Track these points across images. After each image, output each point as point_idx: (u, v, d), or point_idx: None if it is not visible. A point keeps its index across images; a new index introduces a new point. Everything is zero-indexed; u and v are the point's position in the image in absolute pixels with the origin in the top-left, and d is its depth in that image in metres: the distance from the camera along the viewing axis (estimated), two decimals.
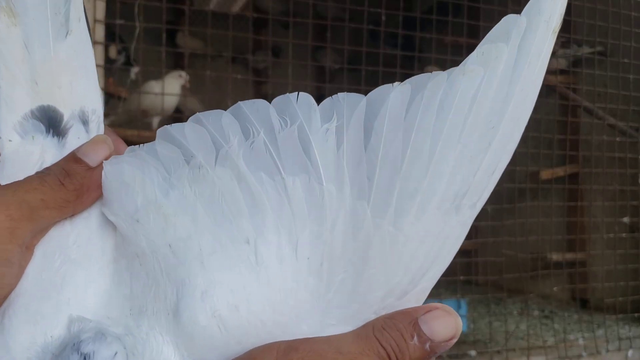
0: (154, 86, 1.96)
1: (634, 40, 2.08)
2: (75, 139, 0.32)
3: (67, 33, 0.32)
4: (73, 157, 0.31)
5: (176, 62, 2.62)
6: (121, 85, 2.01)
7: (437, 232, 0.29)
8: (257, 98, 0.32)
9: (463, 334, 1.91)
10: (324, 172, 0.29)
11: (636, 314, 2.11)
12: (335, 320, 0.28)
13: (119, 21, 1.63)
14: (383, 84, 0.31)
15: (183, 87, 2.09)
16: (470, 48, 0.31)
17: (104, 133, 0.34)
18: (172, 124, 0.31)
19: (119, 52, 2.22)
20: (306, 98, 0.30)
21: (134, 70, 1.99)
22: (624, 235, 2.19)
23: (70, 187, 0.30)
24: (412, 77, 0.30)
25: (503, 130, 0.29)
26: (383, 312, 0.29)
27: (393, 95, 0.30)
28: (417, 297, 0.29)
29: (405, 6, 2.34)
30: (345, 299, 0.28)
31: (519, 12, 0.29)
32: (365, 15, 1.88)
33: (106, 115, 1.74)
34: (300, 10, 2.30)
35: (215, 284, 0.28)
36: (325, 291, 0.28)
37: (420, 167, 0.28)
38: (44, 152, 0.32)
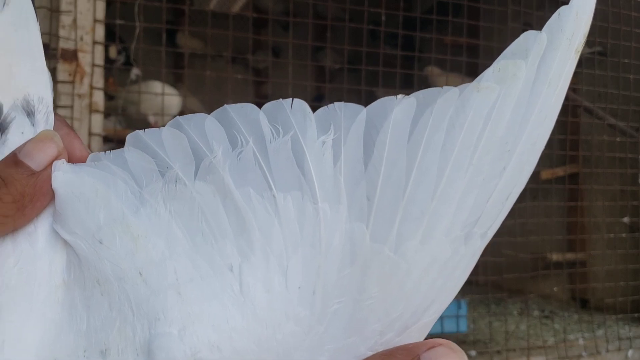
0: (158, 86, 1.94)
1: (634, 40, 2.08)
2: (18, 134, 0.27)
3: (3, 4, 0.27)
4: (12, 160, 0.25)
5: (176, 62, 2.62)
6: (121, 85, 2.00)
7: (444, 261, 0.26)
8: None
9: (463, 334, 1.91)
10: (319, 190, 0.25)
11: (636, 314, 2.11)
12: (327, 356, 0.25)
13: (118, 21, 1.62)
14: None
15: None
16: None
17: (54, 126, 0.28)
18: (146, 129, 0.27)
19: (119, 52, 2.22)
20: (301, 105, 0.27)
21: (135, 71, 1.99)
22: (624, 235, 2.19)
23: (8, 198, 0.25)
24: (419, 91, 0.27)
25: (519, 154, 0.27)
26: (380, 349, 0.26)
27: (398, 109, 0.26)
28: (418, 332, 0.27)
29: (405, 6, 2.34)
30: (339, 332, 0.25)
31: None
32: (366, 15, 1.88)
33: (106, 115, 1.74)
34: (300, 10, 2.30)
35: (195, 318, 0.24)
36: (317, 323, 0.25)
37: (427, 189, 0.26)
38: None
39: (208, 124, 0.27)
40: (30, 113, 0.28)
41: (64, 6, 1.42)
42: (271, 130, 0.27)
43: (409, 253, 0.25)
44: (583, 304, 2.33)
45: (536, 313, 2.25)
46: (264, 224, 0.25)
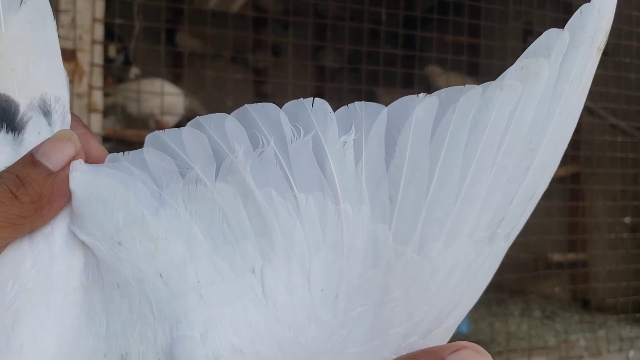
0: (160, 84, 1.91)
1: (635, 40, 2.07)
2: (35, 134, 0.26)
3: (21, 2, 0.26)
4: (30, 160, 0.25)
5: (175, 62, 2.62)
6: (119, 82, 2.00)
7: (468, 262, 0.26)
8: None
9: (464, 335, 1.90)
10: (341, 190, 0.25)
11: (638, 315, 2.10)
12: None
13: (118, 20, 1.62)
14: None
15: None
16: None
17: (71, 125, 0.28)
18: (166, 129, 0.27)
19: (118, 52, 2.22)
20: (322, 105, 0.27)
21: (134, 70, 1.98)
22: (625, 235, 2.18)
23: (26, 199, 0.24)
24: (441, 90, 0.27)
25: (542, 153, 0.27)
26: (404, 352, 0.25)
27: (419, 108, 0.26)
28: (442, 335, 0.26)
29: (406, 5, 2.33)
30: (362, 336, 0.25)
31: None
32: (366, 15, 1.87)
33: (105, 114, 1.73)
34: (300, 10, 2.29)
35: (217, 321, 0.23)
36: (340, 327, 0.24)
37: (450, 190, 0.25)
38: None
39: (228, 123, 0.26)
40: (47, 113, 0.27)
41: (62, 5, 1.41)
42: (292, 130, 0.26)
43: (433, 255, 0.25)
44: (584, 304, 2.33)
45: (537, 313, 2.24)
46: (285, 225, 0.25)
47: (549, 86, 0.27)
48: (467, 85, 0.27)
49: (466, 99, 0.26)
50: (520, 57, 0.27)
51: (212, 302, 0.24)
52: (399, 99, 0.27)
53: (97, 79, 1.46)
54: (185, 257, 0.25)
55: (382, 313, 0.25)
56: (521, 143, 0.26)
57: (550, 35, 0.27)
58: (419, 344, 0.26)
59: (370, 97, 1.98)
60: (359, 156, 0.26)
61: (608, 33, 0.28)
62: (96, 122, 1.46)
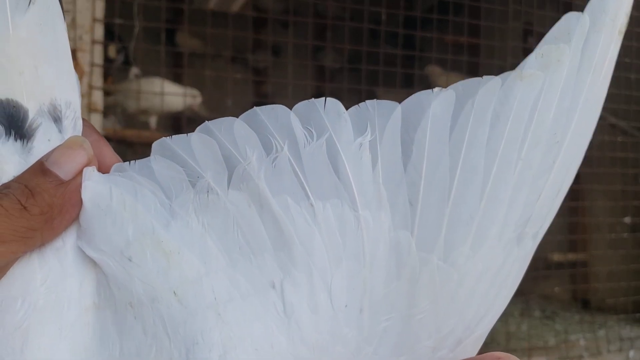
0: (159, 83, 1.90)
1: (635, 40, 2.07)
2: (44, 142, 0.25)
3: (29, 3, 0.25)
4: (40, 169, 0.24)
5: (176, 62, 2.62)
6: (119, 82, 2.00)
7: (498, 267, 0.24)
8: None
9: None
10: (359, 196, 0.24)
11: (638, 315, 2.10)
12: None
13: (118, 20, 1.62)
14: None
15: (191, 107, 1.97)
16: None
17: (82, 132, 0.26)
18: (174, 136, 0.25)
19: (118, 52, 2.22)
20: (335, 105, 0.25)
21: (134, 70, 1.98)
22: (625, 235, 2.18)
23: (36, 210, 0.23)
24: (457, 83, 0.25)
25: (568, 145, 0.25)
26: None
27: (435, 103, 0.25)
28: (472, 346, 0.25)
29: (406, 5, 2.33)
30: (389, 351, 0.23)
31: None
32: (366, 15, 1.87)
33: (105, 114, 1.73)
34: (300, 9, 2.29)
35: (236, 341, 0.22)
36: (366, 344, 0.23)
37: (474, 189, 0.24)
38: (3, 162, 0.24)
39: (238, 128, 0.25)
40: (57, 119, 0.25)
41: (63, 5, 1.41)
42: (304, 133, 0.25)
43: (460, 261, 0.24)
44: (584, 304, 2.33)
45: (537, 313, 2.24)
46: (304, 236, 0.23)
47: (572, 73, 0.25)
48: (485, 77, 0.25)
49: (485, 91, 0.25)
50: (539, 44, 0.26)
51: (231, 321, 0.22)
52: (413, 95, 0.25)
53: (97, 79, 1.46)
54: (201, 272, 0.23)
55: (409, 326, 0.24)
56: (546, 135, 0.25)
57: (569, 19, 0.26)
58: (448, 357, 0.25)
59: (370, 97, 1.98)
60: (375, 158, 0.24)
61: (629, 14, 0.27)
62: (96, 122, 1.46)
